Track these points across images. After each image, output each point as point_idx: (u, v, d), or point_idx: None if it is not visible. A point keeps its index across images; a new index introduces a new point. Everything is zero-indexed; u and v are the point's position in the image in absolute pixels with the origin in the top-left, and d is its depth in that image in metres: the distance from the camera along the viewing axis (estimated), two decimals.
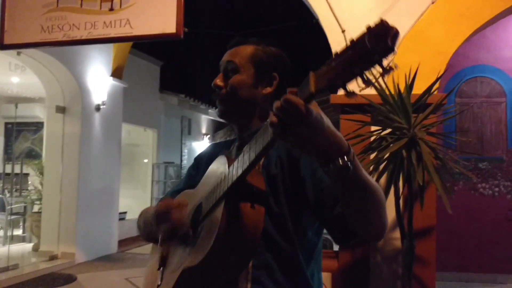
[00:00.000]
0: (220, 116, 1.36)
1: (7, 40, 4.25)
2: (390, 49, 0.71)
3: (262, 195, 1.08)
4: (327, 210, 1.11)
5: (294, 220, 1.19)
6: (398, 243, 3.28)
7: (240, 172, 1.00)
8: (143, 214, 1.45)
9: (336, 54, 0.77)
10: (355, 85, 0.77)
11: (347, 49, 0.75)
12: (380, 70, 0.72)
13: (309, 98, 0.81)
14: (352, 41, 0.75)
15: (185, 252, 1.18)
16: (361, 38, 0.73)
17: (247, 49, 1.31)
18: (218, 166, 1.17)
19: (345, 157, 0.90)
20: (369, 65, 0.72)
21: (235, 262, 1.07)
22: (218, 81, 1.31)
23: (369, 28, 0.72)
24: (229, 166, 1.07)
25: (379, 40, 0.70)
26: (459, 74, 5.82)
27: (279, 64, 1.32)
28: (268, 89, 1.30)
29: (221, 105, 1.32)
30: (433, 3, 3.53)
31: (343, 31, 3.64)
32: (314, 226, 1.23)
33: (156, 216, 1.24)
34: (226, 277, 1.12)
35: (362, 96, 3.19)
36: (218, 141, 1.58)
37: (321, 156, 0.91)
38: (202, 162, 1.44)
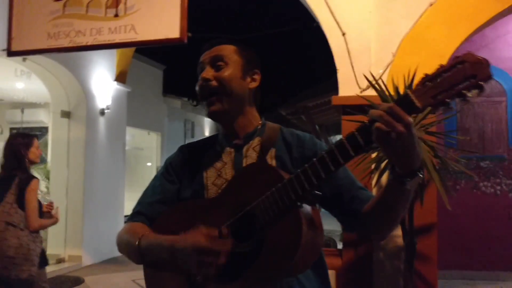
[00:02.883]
0: (214, 113, 1.32)
1: (14, 47, 4.35)
2: (490, 76, 0.91)
3: (315, 196, 1.16)
4: (345, 204, 1.26)
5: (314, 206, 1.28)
6: (400, 240, 3.34)
7: (314, 181, 1.07)
8: (141, 237, 1.26)
9: (429, 76, 0.95)
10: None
11: (441, 72, 0.94)
12: (477, 91, 0.92)
13: (412, 112, 0.97)
14: (445, 66, 0.94)
15: (234, 263, 1.14)
16: (457, 64, 0.92)
17: (230, 46, 1.37)
18: (264, 175, 1.18)
19: (422, 170, 1.05)
20: (472, 87, 0.92)
21: (308, 262, 1.15)
22: (207, 74, 1.32)
23: (462, 57, 0.92)
24: (293, 175, 1.10)
25: (480, 68, 0.91)
26: None
27: (258, 62, 1.40)
28: (254, 84, 1.36)
29: (216, 100, 1.31)
30: (431, 5, 3.60)
31: (343, 34, 3.71)
32: None
33: (198, 253, 1.11)
34: (289, 277, 1.19)
35: (363, 97, 3.26)
36: (187, 144, 1.50)
37: (405, 166, 1.04)
38: (181, 168, 1.40)
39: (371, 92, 3.41)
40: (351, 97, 3.55)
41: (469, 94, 0.92)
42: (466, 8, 3.59)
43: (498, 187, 5.95)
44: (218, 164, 1.34)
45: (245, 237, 1.16)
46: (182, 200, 1.36)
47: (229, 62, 1.33)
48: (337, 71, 3.75)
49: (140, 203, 1.41)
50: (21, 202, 3.14)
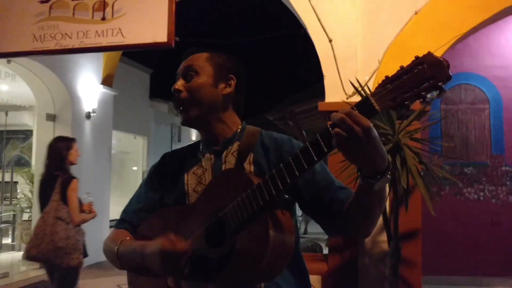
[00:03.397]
0: (185, 122, 1.35)
1: None
2: (449, 78, 0.89)
3: (286, 201, 1.17)
4: (325, 206, 1.25)
5: (290, 215, 1.28)
6: (385, 245, 3.37)
7: (280, 186, 1.07)
8: (120, 243, 1.32)
9: (389, 78, 0.94)
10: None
11: (401, 74, 0.93)
12: (437, 92, 0.91)
13: (371, 116, 0.96)
14: (405, 68, 0.93)
15: (210, 269, 1.18)
16: (416, 66, 0.91)
17: (203, 54, 1.38)
18: (236, 180, 1.19)
19: (389, 170, 1.04)
20: (432, 89, 0.90)
21: (279, 268, 1.15)
22: (178, 85, 1.33)
23: (422, 58, 0.90)
24: (261, 181, 1.11)
25: (439, 69, 0.89)
26: None
27: (234, 67, 1.40)
28: (228, 89, 1.37)
29: (183, 110, 1.33)
30: (416, 13, 3.65)
31: (330, 41, 3.74)
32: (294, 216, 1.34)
33: (162, 257, 1.15)
34: (263, 282, 1.19)
35: (348, 103, 3.30)
36: (170, 152, 1.52)
37: (370, 168, 1.03)
38: (164, 175, 1.42)
39: (357, 99, 3.44)
40: (337, 103, 3.58)
41: (428, 96, 0.91)
42: (450, 17, 3.66)
43: (481, 193, 6.04)
44: (199, 171, 1.36)
45: (218, 243, 1.18)
46: (165, 207, 1.38)
47: (199, 71, 1.34)
48: (324, 77, 3.78)
49: (125, 211, 1.45)
50: (65, 199, 3.56)
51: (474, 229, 5.92)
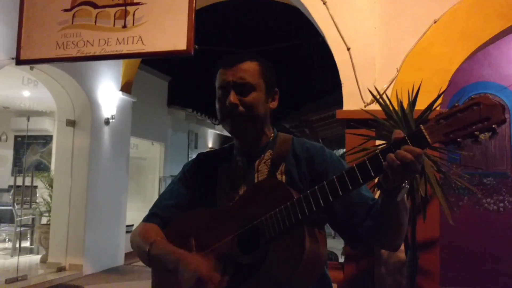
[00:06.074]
0: (238, 133, 1.36)
1: (23, 56, 4.40)
2: (504, 121, 0.93)
3: (320, 219, 1.19)
4: (357, 222, 1.26)
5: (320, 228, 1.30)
6: (402, 255, 3.34)
7: (322, 203, 1.10)
8: (152, 244, 1.33)
9: (443, 113, 0.98)
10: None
11: (455, 112, 0.97)
12: (490, 134, 0.95)
13: (422, 147, 1.01)
14: (459, 106, 0.97)
15: (238, 274, 1.20)
16: (472, 106, 0.95)
17: (254, 66, 1.35)
18: (276, 192, 1.21)
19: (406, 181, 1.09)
20: (486, 130, 0.95)
21: (309, 279, 1.17)
22: (234, 99, 1.31)
23: (478, 99, 0.95)
24: (301, 196, 1.14)
25: (495, 112, 0.93)
26: (463, 90, 5.90)
27: (276, 79, 1.42)
28: (274, 104, 1.40)
29: (240, 123, 1.32)
30: (435, 22, 3.64)
31: (348, 49, 3.75)
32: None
33: (196, 281, 1.16)
34: None
35: (367, 111, 3.29)
36: (205, 152, 1.55)
37: (403, 182, 1.08)
38: (197, 176, 1.45)
39: (376, 107, 3.44)
40: (355, 111, 3.58)
41: (481, 136, 0.95)
42: (470, 26, 3.63)
43: (501, 204, 5.93)
44: (232, 177, 1.38)
45: (250, 250, 1.20)
46: (196, 208, 1.40)
47: (255, 87, 1.33)
48: (342, 85, 3.78)
49: (156, 205, 1.48)
50: None
51: (493, 240, 5.82)
